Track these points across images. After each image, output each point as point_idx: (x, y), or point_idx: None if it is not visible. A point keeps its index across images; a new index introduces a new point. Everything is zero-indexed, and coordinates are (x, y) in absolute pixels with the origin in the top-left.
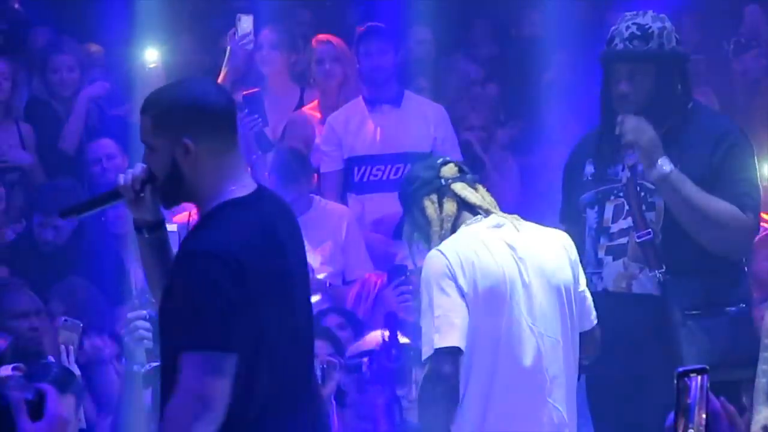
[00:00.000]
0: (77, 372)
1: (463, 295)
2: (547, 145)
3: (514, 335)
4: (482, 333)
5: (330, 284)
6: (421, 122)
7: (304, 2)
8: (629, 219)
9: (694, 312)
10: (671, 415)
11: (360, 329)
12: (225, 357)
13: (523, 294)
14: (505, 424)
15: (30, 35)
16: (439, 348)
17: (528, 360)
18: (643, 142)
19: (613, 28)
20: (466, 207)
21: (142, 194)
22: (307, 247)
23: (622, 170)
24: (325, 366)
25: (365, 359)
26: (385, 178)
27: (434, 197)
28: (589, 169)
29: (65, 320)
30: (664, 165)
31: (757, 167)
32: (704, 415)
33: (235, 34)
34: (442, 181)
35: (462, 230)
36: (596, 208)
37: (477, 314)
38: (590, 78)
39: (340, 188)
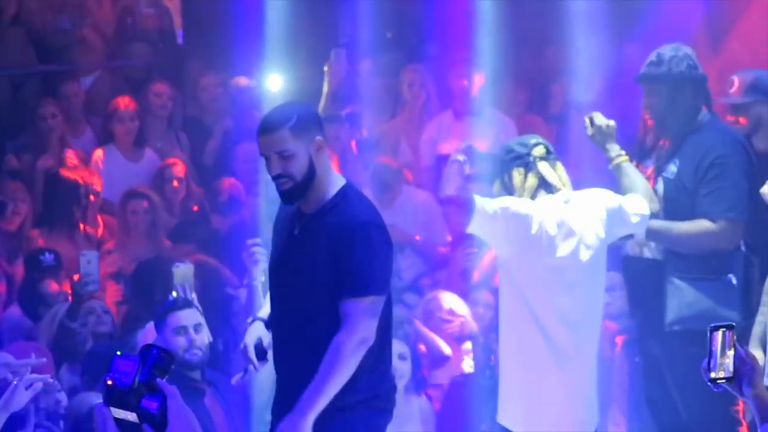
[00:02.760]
0: (196, 302)
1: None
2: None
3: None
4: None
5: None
6: (493, 130)
7: (396, 40)
8: None
9: (688, 275)
10: (705, 360)
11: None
12: (382, 300)
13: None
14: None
15: (185, 65)
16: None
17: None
18: None
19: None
20: (545, 184)
21: None
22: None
23: (650, 164)
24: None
25: None
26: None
27: (522, 170)
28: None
29: (177, 265)
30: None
31: (743, 177)
32: (727, 360)
33: (331, 66)
34: (531, 158)
35: (538, 200)
36: None
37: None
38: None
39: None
